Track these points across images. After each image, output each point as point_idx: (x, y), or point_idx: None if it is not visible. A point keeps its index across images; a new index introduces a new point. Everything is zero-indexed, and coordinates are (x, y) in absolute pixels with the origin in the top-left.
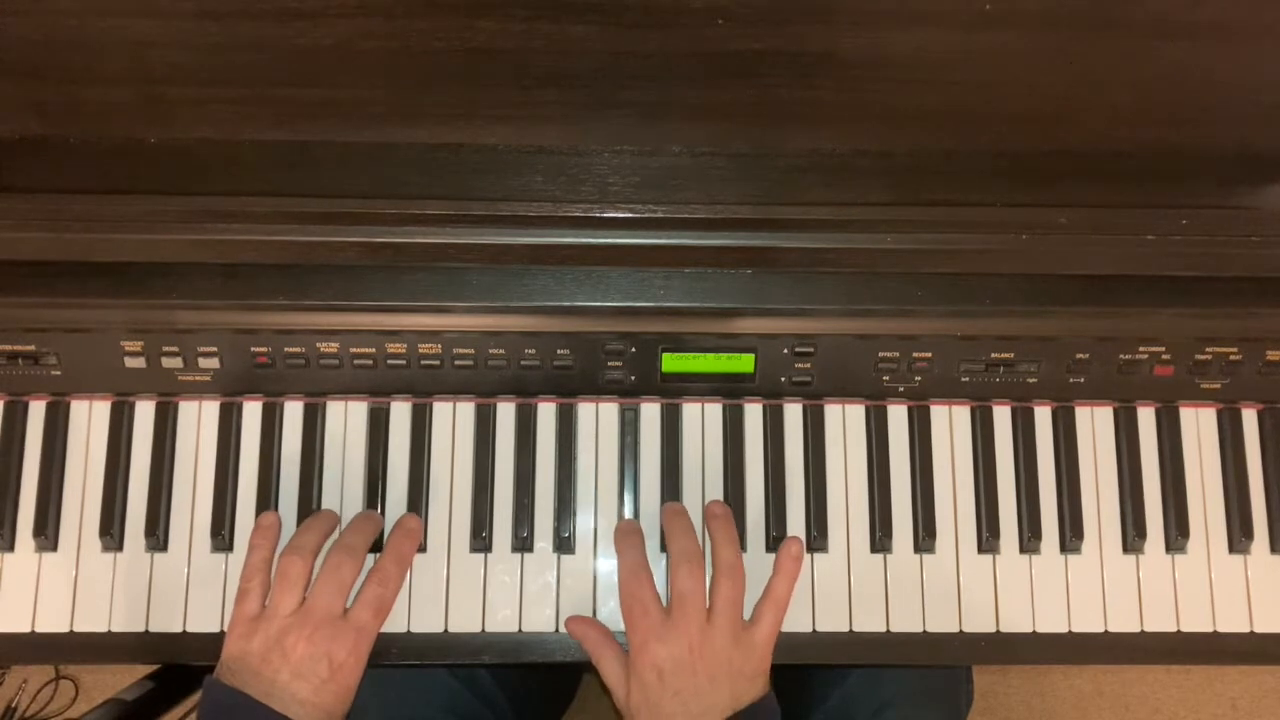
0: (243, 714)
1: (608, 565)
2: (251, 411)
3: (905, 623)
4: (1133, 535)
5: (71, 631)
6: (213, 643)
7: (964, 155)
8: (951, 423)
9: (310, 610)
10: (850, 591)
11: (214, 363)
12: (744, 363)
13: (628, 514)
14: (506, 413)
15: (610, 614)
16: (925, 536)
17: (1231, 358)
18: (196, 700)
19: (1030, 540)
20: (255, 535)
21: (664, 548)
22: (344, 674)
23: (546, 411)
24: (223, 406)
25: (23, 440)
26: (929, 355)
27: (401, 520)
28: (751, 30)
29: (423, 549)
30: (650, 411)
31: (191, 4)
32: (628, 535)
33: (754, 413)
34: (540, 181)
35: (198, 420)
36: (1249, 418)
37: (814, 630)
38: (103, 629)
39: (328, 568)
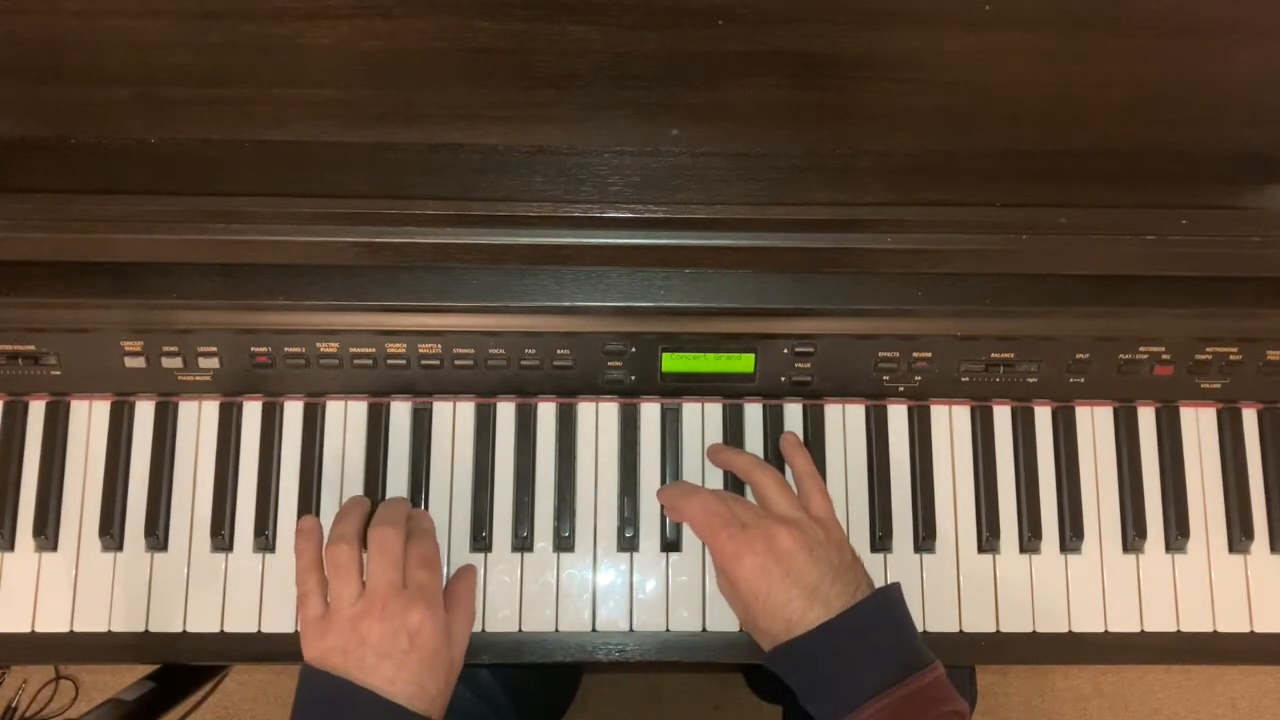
0: (343, 700)
1: (608, 565)
2: (251, 411)
3: None
4: (1133, 535)
5: (71, 631)
6: (212, 643)
7: (964, 155)
8: (951, 422)
9: (373, 590)
10: None
11: (214, 363)
12: (744, 363)
13: (627, 514)
14: (506, 412)
15: (611, 613)
16: (925, 536)
17: (1231, 358)
18: (196, 700)
19: (1030, 540)
20: (299, 541)
21: (664, 547)
22: (423, 638)
23: (546, 411)
24: (223, 406)
25: (23, 440)
26: (929, 355)
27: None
28: (751, 30)
29: None
30: (650, 411)
31: (191, 4)
32: (673, 483)
33: (754, 413)
34: (540, 181)
35: (198, 420)
36: (1249, 418)
37: None
38: (103, 629)
39: (374, 545)
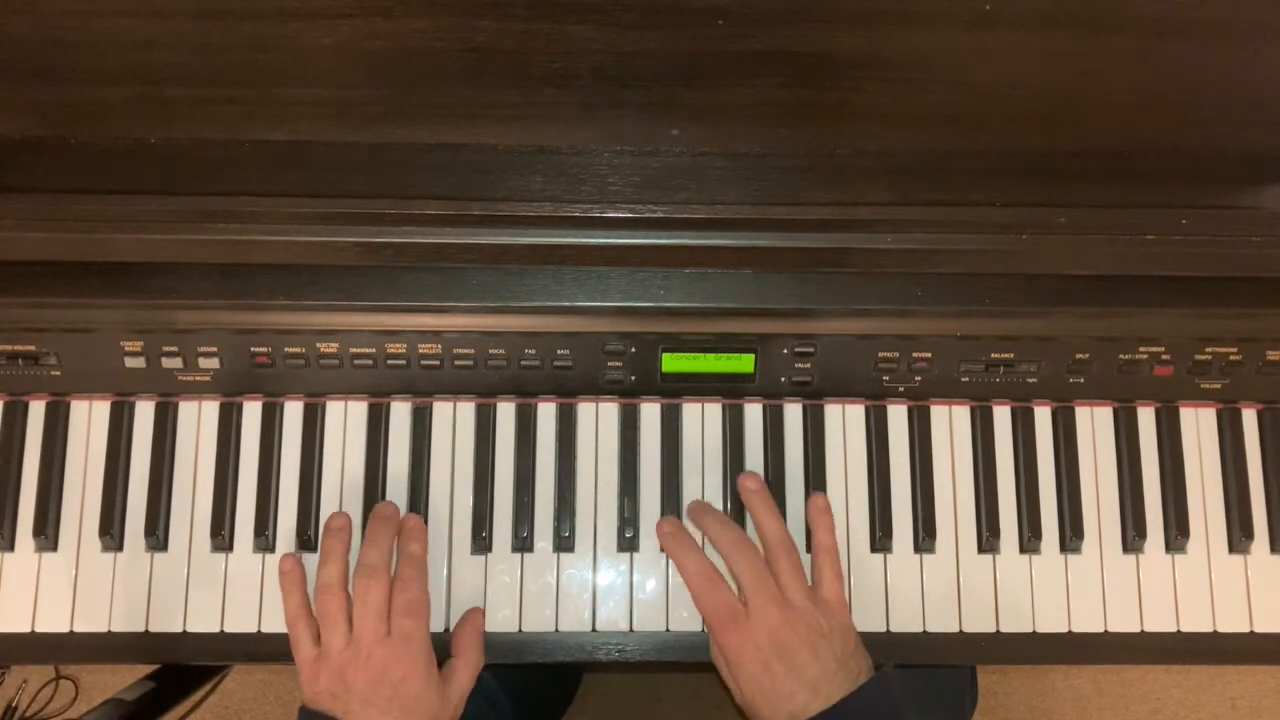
0: None
1: (608, 565)
2: (251, 411)
3: (905, 623)
4: (1133, 535)
5: (71, 631)
6: (212, 643)
7: (964, 155)
8: (951, 423)
9: (358, 640)
10: (850, 591)
11: (214, 363)
12: (744, 363)
13: (628, 514)
14: (506, 413)
15: (611, 613)
16: (925, 536)
17: (1231, 358)
18: (196, 700)
19: (1030, 540)
20: (282, 582)
21: (664, 548)
22: (405, 685)
23: (546, 411)
24: (223, 406)
25: (23, 440)
26: (929, 355)
27: (401, 521)
28: (751, 30)
29: None
30: (650, 411)
31: (191, 4)
32: (678, 536)
33: (754, 413)
34: (540, 181)
35: (198, 420)
36: (1249, 418)
37: None
38: (103, 629)
39: (358, 596)
